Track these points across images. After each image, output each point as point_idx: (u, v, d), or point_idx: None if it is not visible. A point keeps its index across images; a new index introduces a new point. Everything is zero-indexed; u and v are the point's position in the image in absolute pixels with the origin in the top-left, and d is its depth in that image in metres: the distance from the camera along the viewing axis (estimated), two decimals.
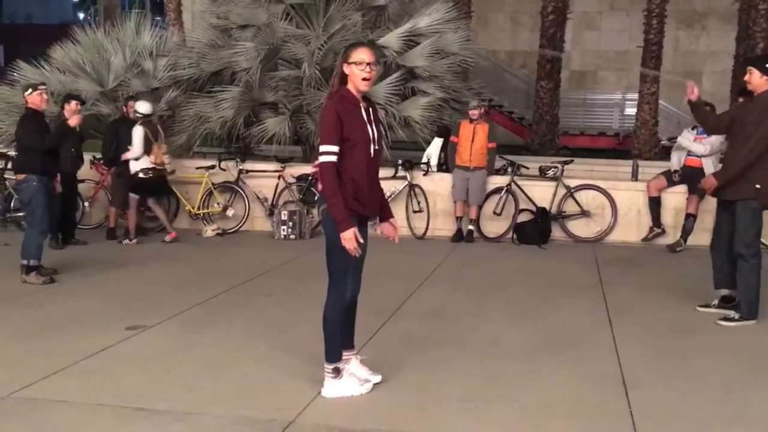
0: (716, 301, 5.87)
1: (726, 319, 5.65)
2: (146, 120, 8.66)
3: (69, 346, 4.84)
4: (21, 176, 6.82)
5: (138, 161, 8.56)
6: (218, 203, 9.63)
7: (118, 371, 4.42)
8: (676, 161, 8.86)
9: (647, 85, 13.66)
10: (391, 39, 10.03)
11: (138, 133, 8.52)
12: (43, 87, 7.02)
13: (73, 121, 7.16)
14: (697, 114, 6.02)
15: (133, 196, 8.69)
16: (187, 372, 4.43)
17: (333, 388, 4.04)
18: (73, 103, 8.19)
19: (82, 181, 9.26)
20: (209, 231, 9.38)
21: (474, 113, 9.12)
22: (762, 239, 8.49)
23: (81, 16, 46.70)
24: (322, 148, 3.82)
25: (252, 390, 4.16)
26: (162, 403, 3.94)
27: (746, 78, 5.58)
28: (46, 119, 7.23)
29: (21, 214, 9.04)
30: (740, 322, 5.58)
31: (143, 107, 8.73)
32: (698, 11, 18.28)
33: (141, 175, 8.56)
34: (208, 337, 5.12)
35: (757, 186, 5.45)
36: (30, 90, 6.91)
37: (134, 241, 8.67)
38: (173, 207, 9.75)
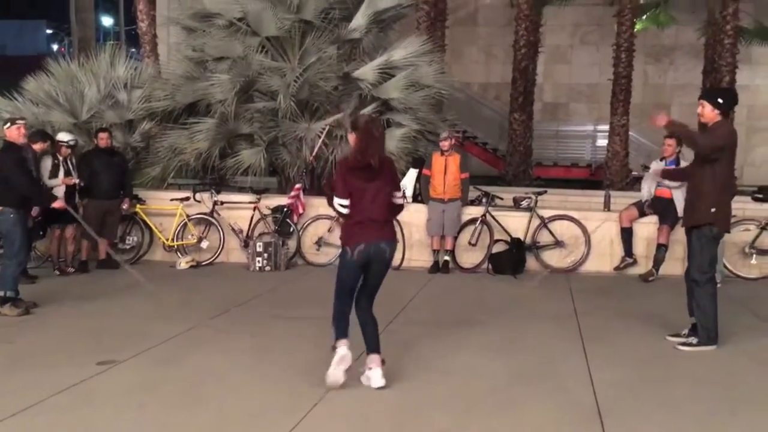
0: (686, 330, 5.93)
1: (685, 344, 5.75)
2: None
3: (38, 381, 4.75)
4: None
5: None
6: (193, 235, 9.56)
7: (89, 407, 4.34)
8: (646, 192, 8.98)
9: (618, 117, 13.92)
10: (367, 71, 10.14)
11: None
12: (21, 121, 7.13)
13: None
14: (683, 136, 5.98)
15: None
16: (161, 407, 4.36)
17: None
18: (40, 143, 8.04)
19: None
20: (183, 263, 9.30)
21: (444, 144, 9.18)
22: (729, 267, 8.74)
23: (55, 47, 46.51)
24: None
25: (227, 424, 4.10)
26: None
27: (698, 111, 5.66)
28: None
29: None
30: (698, 348, 5.69)
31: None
32: (666, 45, 18.74)
33: None
34: (182, 371, 5.06)
35: (713, 209, 5.56)
36: (8, 124, 7.00)
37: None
38: (147, 238, 9.67)
